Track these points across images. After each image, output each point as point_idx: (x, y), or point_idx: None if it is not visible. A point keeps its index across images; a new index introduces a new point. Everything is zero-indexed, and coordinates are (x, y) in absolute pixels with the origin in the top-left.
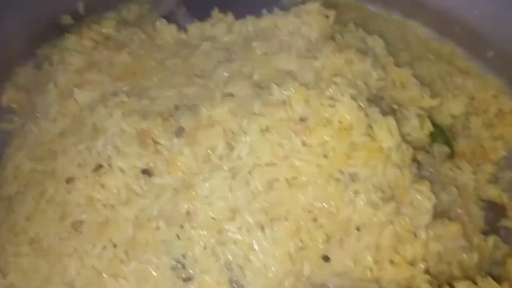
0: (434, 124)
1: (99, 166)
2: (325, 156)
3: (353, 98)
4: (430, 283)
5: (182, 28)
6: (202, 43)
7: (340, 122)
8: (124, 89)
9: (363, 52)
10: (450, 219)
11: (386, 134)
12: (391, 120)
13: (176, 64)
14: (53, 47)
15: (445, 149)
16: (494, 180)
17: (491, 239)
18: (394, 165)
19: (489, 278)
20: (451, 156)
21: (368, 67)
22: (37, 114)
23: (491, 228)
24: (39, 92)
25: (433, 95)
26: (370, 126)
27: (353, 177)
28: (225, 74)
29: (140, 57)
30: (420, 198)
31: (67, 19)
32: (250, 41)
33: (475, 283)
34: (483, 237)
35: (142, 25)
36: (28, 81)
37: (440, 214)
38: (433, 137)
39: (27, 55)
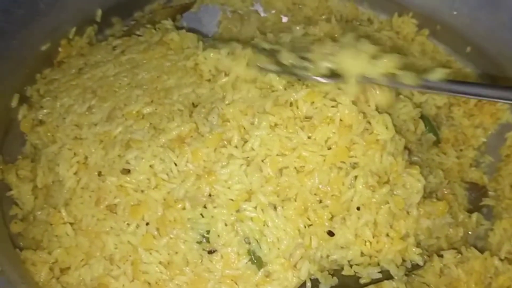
0: (421, 115)
1: (127, 171)
2: (329, 148)
3: (354, 102)
4: (420, 254)
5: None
6: None
7: (341, 120)
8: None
9: None
10: (438, 198)
11: (382, 128)
12: (386, 117)
13: (186, 66)
14: None
15: (432, 137)
16: (475, 164)
17: (475, 216)
18: (389, 154)
19: (473, 249)
20: (437, 143)
21: None
22: None
23: (474, 207)
24: None
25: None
26: (368, 122)
27: (353, 165)
28: None
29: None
30: (411, 180)
31: None
32: None
33: (461, 253)
34: (467, 214)
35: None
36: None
37: (429, 194)
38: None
39: None
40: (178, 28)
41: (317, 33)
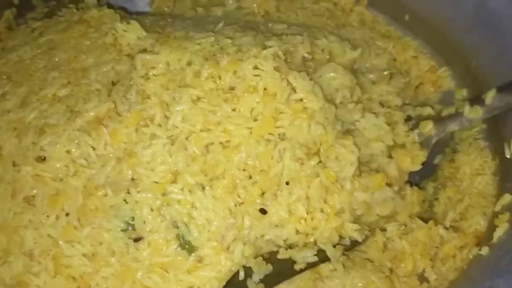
0: None
1: (42, 158)
2: (255, 120)
3: (276, 69)
4: (358, 230)
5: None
6: None
7: (265, 89)
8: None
9: None
10: (376, 171)
11: (310, 96)
12: (314, 84)
13: (106, 42)
14: None
15: None
16: None
17: (415, 190)
18: (318, 124)
19: (417, 219)
20: None
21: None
22: None
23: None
24: None
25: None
26: (293, 89)
27: (282, 137)
28: None
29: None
30: (344, 152)
31: None
32: None
33: (404, 225)
34: (409, 188)
35: None
36: None
37: (367, 165)
38: None
39: None
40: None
41: (250, 6)
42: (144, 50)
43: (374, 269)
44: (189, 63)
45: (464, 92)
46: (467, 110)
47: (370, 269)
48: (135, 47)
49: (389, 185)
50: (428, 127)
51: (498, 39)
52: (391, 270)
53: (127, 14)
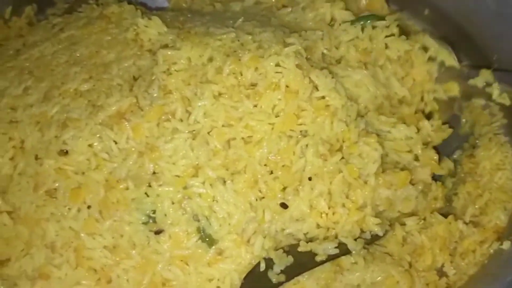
0: None
1: (65, 152)
2: (276, 116)
3: (298, 67)
4: (379, 224)
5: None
6: None
7: (287, 86)
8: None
9: None
10: (401, 169)
11: (332, 93)
12: (336, 82)
13: (127, 38)
14: None
15: None
16: None
17: (439, 185)
18: (340, 121)
19: (436, 214)
20: None
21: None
22: None
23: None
24: None
25: None
26: (315, 88)
27: (304, 133)
28: None
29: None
30: (367, 149)
31: None
32: None
33: (424, 219)
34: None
35: None
36: None
37: (395, 164)
38: None
39: None
40: (123, 1)
41: (268, 1)
42: (166, 46)
43: (393, 263)
44: (210, 59)
45: None
46: (496, 93)
47: (390, 263)
48: (156, 42)
49: (413, 183)
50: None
51: None
52: (410, 264)
53: (147, 9)
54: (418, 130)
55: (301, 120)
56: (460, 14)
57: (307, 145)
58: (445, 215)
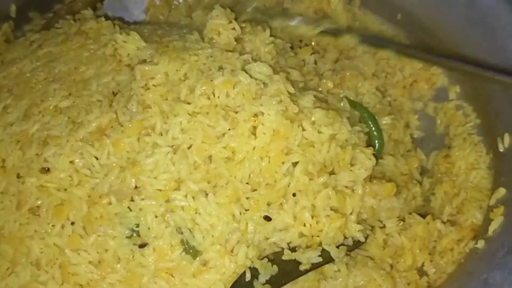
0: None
1: (46, 170)
2: (257, 137)
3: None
4: (361, 231)
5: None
6: None
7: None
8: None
9: None
10: (387, 181)
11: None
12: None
13: (105, 53)
14: None
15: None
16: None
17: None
18: (337, 146)
19: (415, 214)
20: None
21: None
22: None
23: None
24: None
25: None
26: (303, 129)
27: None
28: None
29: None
30: (362, 157)
31: None
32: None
33: (403, 220)
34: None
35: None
36: None
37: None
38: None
39: None
40: (101, 17)
41: None
42: (144, 61)
43: (375, 267)
44: (185, 76)
45: (457, 89)
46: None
47: (372, 266)
48: (134, 57)
49: (397, 193)
50: None
51: (489, 36)
52: (391, 266)
53: (124, 24)
54: None
55: (289, 157)
56: (431, 18)
57: (296, 163)
58: (423, 215)
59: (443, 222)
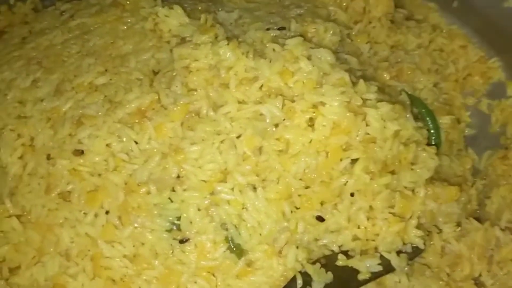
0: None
1: (80, 152)
2: (314, 130)
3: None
4: (421, 237)
5: None
6: None
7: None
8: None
9: None
10: (451, 184)
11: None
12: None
13: (145, 28)
14: None
15: None
16: None
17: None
18: (400, 144)
19: (472, 219)
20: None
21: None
22: None
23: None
24: None
25: None
26: (367, 124)
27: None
28: None
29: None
30: (425, 157)
31: None
32: None
33: (459, 225)
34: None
35: None
36: None
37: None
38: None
39: None
40: None
41: None
42: (183, 40)
43: (433, 276)
44: (230, 66)
45: None
46: None
47: (429, 276)
48: (176, 34)
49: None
50: None
51: None
52: (448, 275)
53: None
54: None
55: (348, 153)
56: (490, 5)
57: (356, 160)
58: (478, 220)
59: (502, 229)
